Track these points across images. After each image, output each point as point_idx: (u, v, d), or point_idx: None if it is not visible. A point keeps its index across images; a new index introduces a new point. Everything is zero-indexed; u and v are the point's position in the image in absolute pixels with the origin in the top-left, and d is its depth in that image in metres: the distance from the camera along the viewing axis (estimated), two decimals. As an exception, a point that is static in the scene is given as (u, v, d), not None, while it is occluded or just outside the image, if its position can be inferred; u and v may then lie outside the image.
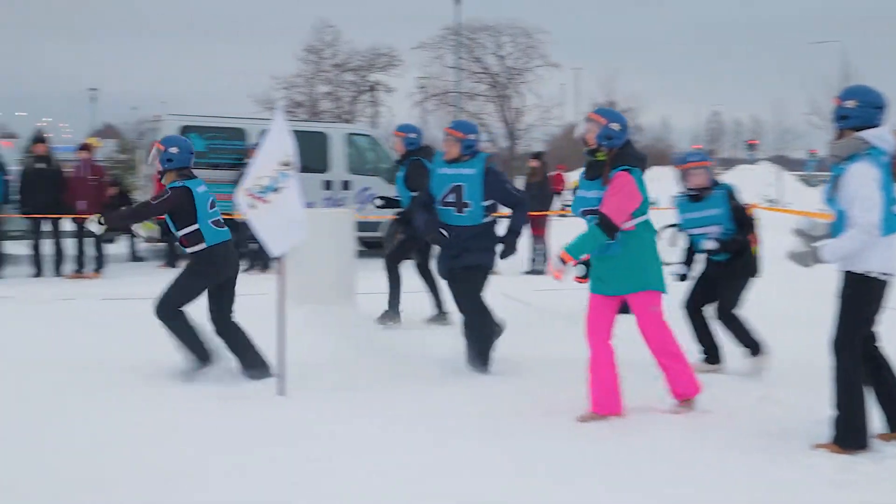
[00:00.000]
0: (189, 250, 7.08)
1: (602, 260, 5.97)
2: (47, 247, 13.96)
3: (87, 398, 6.31)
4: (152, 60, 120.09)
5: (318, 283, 9.92)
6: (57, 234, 14.01)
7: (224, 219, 7.17)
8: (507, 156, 46.78)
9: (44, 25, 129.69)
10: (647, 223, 6.00)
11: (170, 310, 7.00)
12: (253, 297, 10.82)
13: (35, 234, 13.96)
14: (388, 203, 10.00)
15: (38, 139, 14.77)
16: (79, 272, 13.88)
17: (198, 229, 6.98)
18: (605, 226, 5.74)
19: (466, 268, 7.22)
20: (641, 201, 5.89)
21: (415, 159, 9.32)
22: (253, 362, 7.07)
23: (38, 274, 13.82)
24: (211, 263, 7.03)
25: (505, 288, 11.51)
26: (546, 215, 14.86)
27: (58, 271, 13.90)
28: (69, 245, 14.09)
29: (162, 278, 13.24)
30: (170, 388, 6.63)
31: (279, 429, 5.68)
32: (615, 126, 5.93)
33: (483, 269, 7.30)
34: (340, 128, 17.65)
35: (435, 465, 5.05)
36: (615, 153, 5.92)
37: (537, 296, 11.41)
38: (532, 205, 14.71)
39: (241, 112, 33.29)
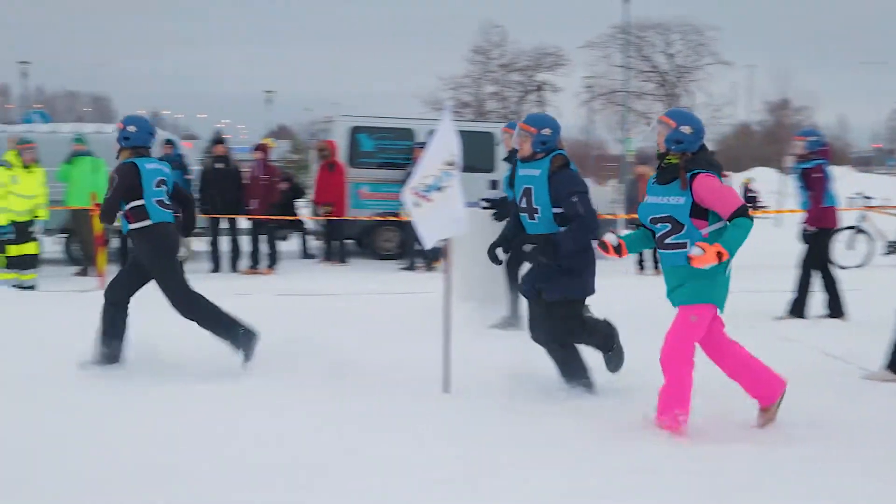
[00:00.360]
0: (133, 226, 7.14)
1: (673, 270, 5.62)
2: (225, 243, 14.54)
3: (260, 390, 6.53)
4: (325, 63, 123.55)
5: (482, 282, 9.96)
6: (234, 232, 14.58)
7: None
8: (675, 155, 45.90)
9: (223, 31, 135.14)
10: (719, 233, 5.49)
11: (189, 304, 7.16)
12: (418, 294, 11.05)
13: (213, 232, 14.57)
14: (495, 205, 9.88)
15: (218, 140, 15.40)
16: (254, 268, 14.39)
17: (143, 205, 7.08)
18: (743, 215, 5.35)
19: (552, 304, 6.40)
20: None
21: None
22: (106, 348, 7.13)
23: (216, 270, 14.40)
24: (160, 238, 7.12)
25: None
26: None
27: (234, 267, 14.45)
28: (245, 242, 14.64)
29: (330, 275, 13.71)
30: (334, 381, 6.75)
31: (440, 426, 5.73)
32: (686, 129, 5.54)
33: (570, 303, 6.42)
34: (507, 128, 17.62)
35: (593, 471, 4.99)
36: (688, 158, 5.55)
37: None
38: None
39: (409, 112, 33.80)
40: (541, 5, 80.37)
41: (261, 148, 15.02)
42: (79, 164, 13.80)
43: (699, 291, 5.51)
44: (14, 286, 11.92)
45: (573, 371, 6.51)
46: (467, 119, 38.06)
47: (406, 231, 14.56)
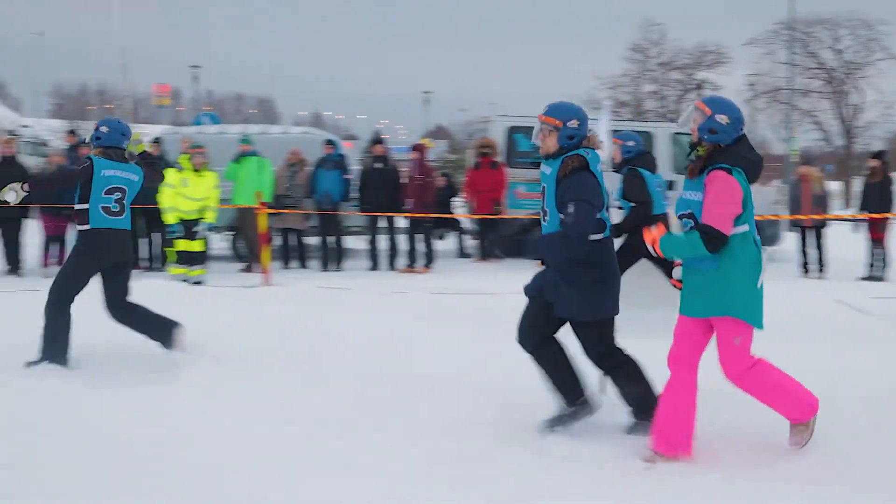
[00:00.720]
0: (78, 228, 7.16)
1: (688, 274, 5.14)
2: (383, 242, 14.79)
3: (413, 386, 6.65)
4: (482, 63, 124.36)
5: (640, 286, 9.81)
6: (392, 231, 14.82)
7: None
8: (843, 155, 44.23)
9: (384, 33, 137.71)
10: (743, 237, 4.99)
11: (59, 301, 6.99)
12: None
13: (372, 230, 14.85)
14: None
15: (377, 140, 15.68)
16: (411, 267, 14.59)
17: (87, 209, 7.01)
18: (710, 238, 4.85)
19: (575, 324, 5.56)
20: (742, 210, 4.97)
21: (631, 168, 8.76)
22: (162, 333, 7.11)
23: (374, 268, 14.68)
24: (93, 246, 7.03)
25: (839, 294, 10.89)
26: (886, 218, 13.86)
27: (391, 265, 14.69)
28: (402, 241, 14.86)
29: (486, 274, 13.76)
30: (488, 383, 6.81)
31: (595, 425, 5.70)
32: (722, 118, 4.99)
33: (590, 324, 5.54)
34: (666, 127, 17.30)
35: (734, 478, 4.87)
36: (717, 150, 5.01)
37: (875, 304, 10.66)
38: (871, 206, 13.87)
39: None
40: (702, 2, 78.72)
41: (418, 148, 15.21)
42: (245, 164, 14.31)
43: (722, 304, 5.00)
44: (183, 280, 12.44)
45: (557, 387, 5.66)
46: (625, 118, 37.59)
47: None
